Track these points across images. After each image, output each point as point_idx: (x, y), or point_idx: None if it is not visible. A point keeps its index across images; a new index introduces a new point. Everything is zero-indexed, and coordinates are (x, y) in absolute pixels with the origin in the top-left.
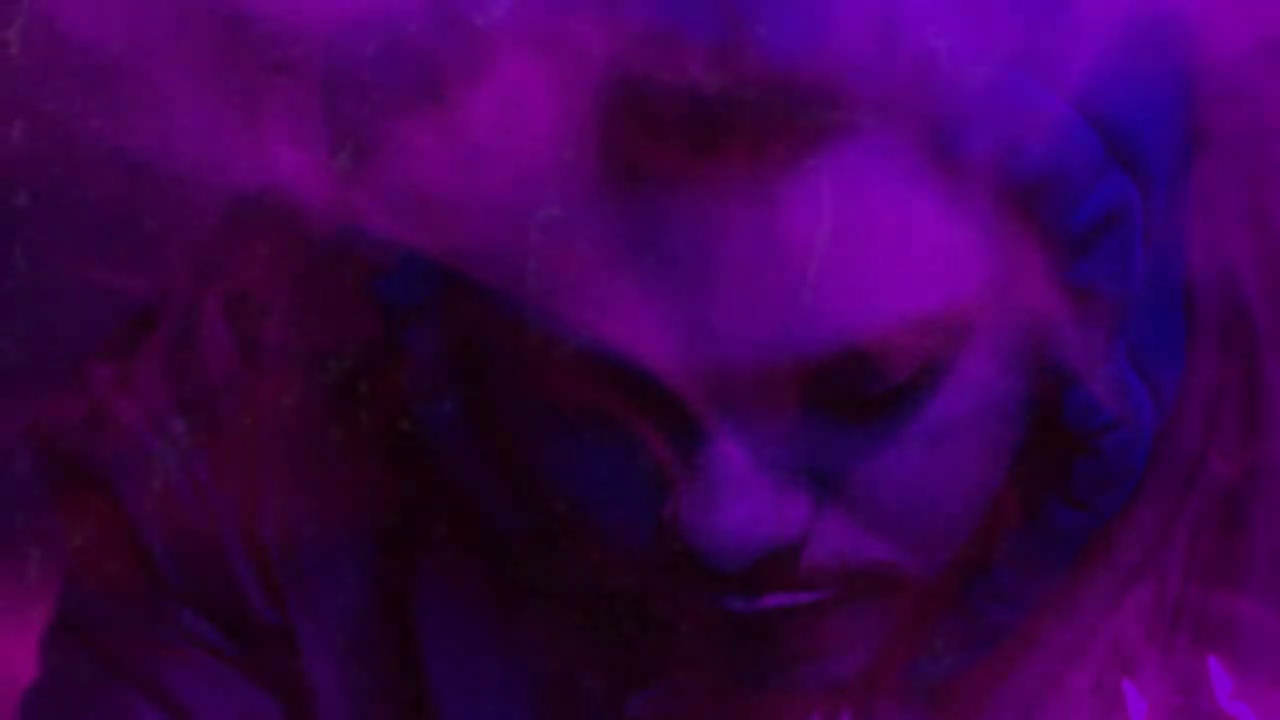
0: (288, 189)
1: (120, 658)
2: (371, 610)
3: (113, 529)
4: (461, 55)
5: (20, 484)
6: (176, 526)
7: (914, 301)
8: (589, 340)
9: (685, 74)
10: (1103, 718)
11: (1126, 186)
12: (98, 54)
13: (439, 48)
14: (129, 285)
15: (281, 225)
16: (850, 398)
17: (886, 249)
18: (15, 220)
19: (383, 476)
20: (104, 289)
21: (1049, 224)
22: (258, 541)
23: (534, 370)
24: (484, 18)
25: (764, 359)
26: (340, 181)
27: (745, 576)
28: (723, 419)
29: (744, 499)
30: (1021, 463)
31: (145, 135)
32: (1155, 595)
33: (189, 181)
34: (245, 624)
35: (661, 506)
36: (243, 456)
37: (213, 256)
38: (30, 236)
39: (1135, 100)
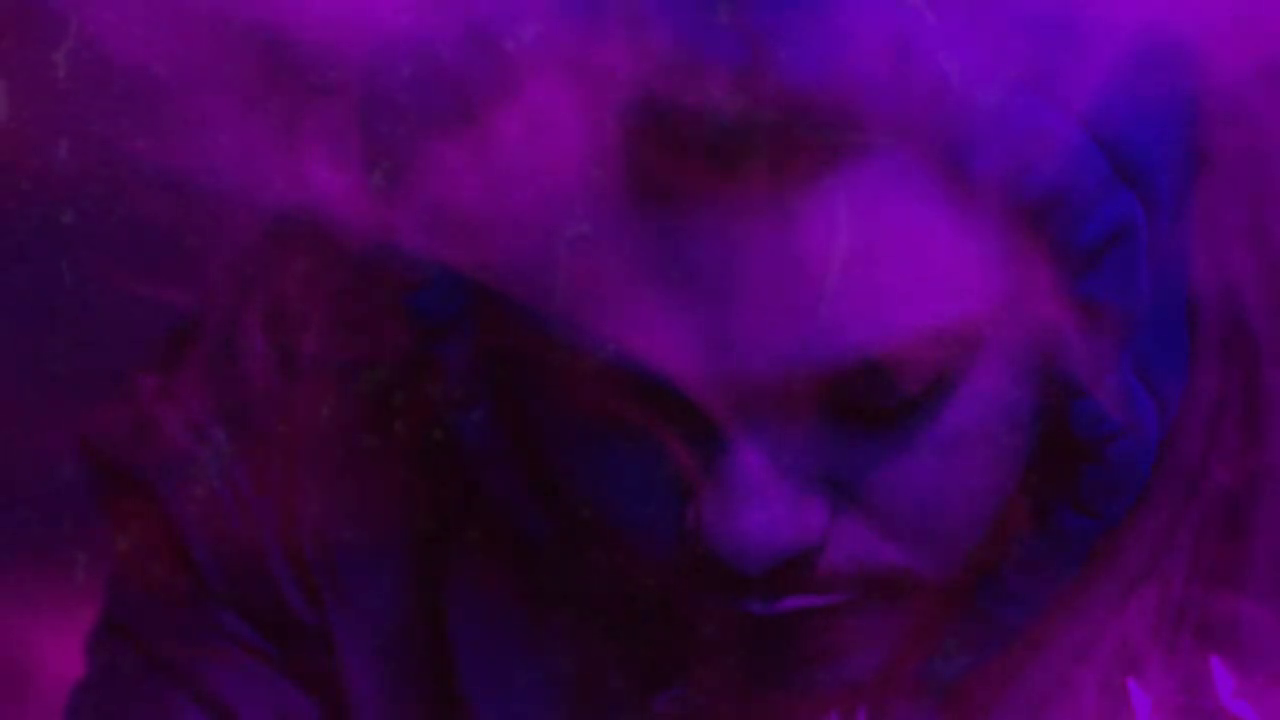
0: (325, 207)
1: (164, 657)
2: (405, 612)
3: (157, 533)
4: (492, 78)
5: (68, 490)
6: (218, 531)
7: (927, 315)
8: (615, 352)
9: (708, 96)
10: (1109, 716)
11: (1132, 205)
12: (143, 76)
13: (471, 71)
14: (172, 299)
15: (319, 242)
16: (866, 408)
17: (901, 265)
18: (62, 237)
19: (416, 483)
20: (148, 303)
21: (1057, 240)
22: (296, 545)
23: (561, 381)
24: (514, 42)
25: (783, 371)
26: (375, 200)
27: (764, 580)
28: (743, 428)
29: (763, 505)
30: (1031, 470)
31: (188, 155)
32: (1159, 597)
33: (230, 199)
34: (284, 625)
35: (684, 512)
36: (281, 464)
37: (253, 271)
38: (76, 253)
39: (1141, 122)
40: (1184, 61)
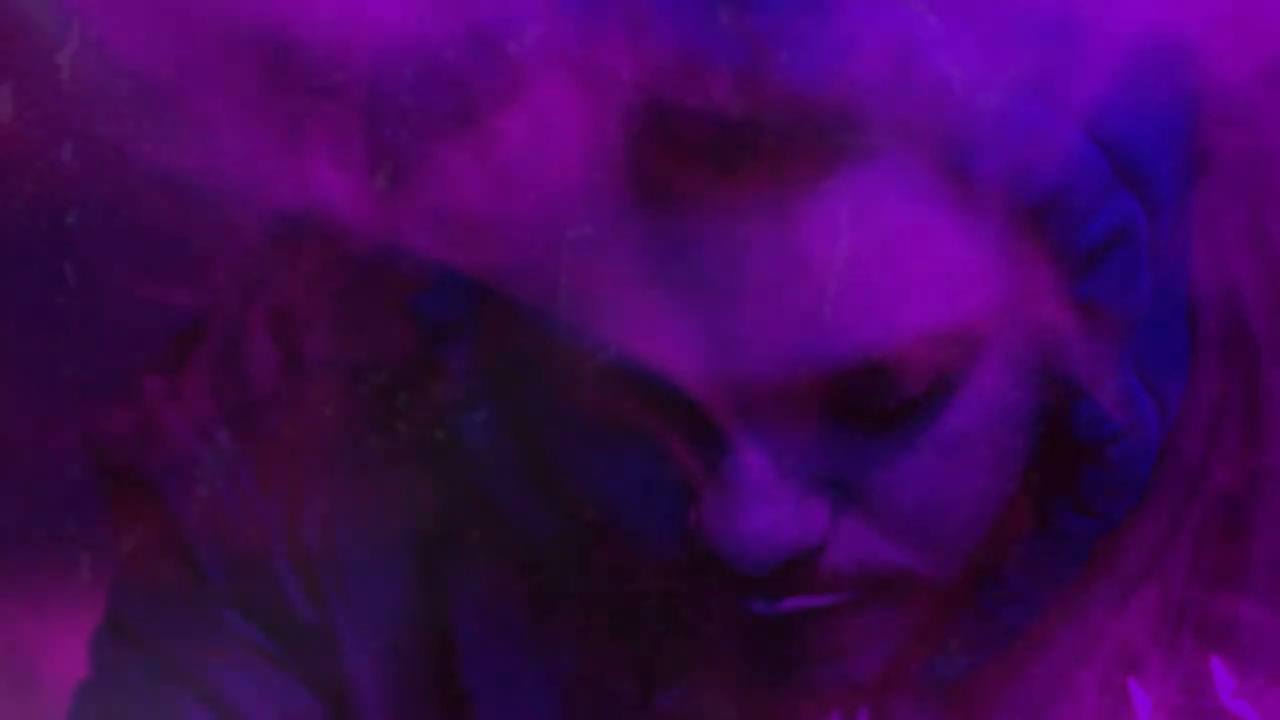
0: (329, 209)
1: (168, 657)
2: (409, 612)
3: (161, 534)
4: (495, 80)
5: (73, 491)
6: (222, 531)
7: (929, 317)
8: (617, 353)
9: (710, 99)
10: (1109, 716)
11: (1132, 207)
12: (147, 79)
13: (474, 73)
14: (177, 301)
15: (323, 243)
16: (868, 408)
17: (902, 266)
18: (67, 238)
19: (419, 483)
20: (152, 304)
21: (1058, 242)
22: (300, 546)
23: (565, 383)
24: (516, 45)
25: (785, 372)
26: (379, 201)
27: (767, 580)
28: (746, 429)
29: (766, 506)
30: (1032, 471)
31: (193, 157)
32: (1160, 598)
33: (235, 201)
34: (287, 625)
35: (687, 513)
36: (286, 464)
37: (258, 273)
38: (81, 254)
39: (1141, 124)
40: (1184, 63)
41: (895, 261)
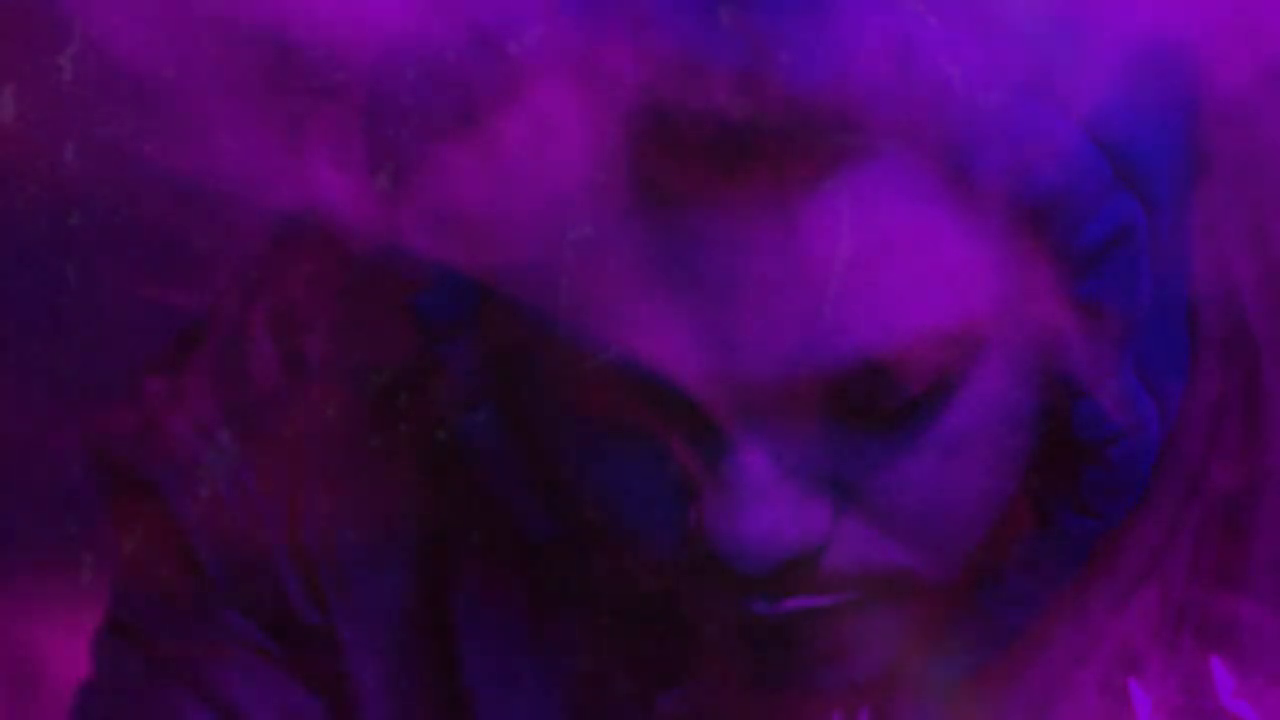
0: (330, 209)
1: (169, 658)
2: (411, 612)
3: (162, 534)
4: (496, 81)
5: (74, 491)
6: (223, 532)
7: (930, 317)
8: (619, 354)
9: (711, 100)
10: (1110, 716)
11: (1133, 207)
12: (149, 79)
13: (475, 74)
14: (178, 301)
15: (324, 244)
16: (869, 409)
17: (903, 267)
18: (69, 239)
19: (421, 484)
20: (153, 304)
21: (1059, 242)
22: (301, 546)
23: (566, 383)
24: (517, 45)
25: (786, 372)
26: (380, 202)
27: (768, 580)
28: (746, 430)
29: (767, 506)
30: (1033, 471)
31: (194, 157)
32: (1160, 598)
33: (236, 202)
34: (289, 625)
35: (687, 513)
36: (287, 465)
37: (259, 273)
38: (83, 255)
39: (1142, 125)
40: (1185, 65)
41: (895, 262)
